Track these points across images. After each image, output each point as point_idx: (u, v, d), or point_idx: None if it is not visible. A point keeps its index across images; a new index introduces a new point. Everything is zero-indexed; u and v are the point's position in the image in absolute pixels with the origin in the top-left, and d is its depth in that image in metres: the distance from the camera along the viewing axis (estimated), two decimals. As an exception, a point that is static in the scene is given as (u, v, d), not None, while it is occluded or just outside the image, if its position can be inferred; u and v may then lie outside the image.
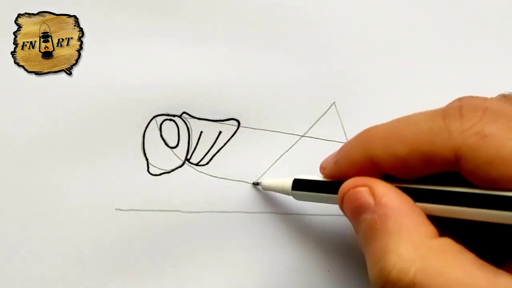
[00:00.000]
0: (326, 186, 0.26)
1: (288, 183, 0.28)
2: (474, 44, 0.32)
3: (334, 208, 0.31)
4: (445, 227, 0.21)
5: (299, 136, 0.32)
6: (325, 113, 0.32)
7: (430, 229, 0.21)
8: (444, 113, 0.21)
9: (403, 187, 0.22)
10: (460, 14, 0.32)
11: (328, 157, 0.26)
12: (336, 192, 0.24)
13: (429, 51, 0.32)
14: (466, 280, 0.19)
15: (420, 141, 0.21)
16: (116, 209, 0.30)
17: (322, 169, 0.26)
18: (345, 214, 0.24)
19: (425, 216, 0.22)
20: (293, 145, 0.32)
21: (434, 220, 0.22)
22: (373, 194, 0.22)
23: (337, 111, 0.32)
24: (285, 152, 0.32)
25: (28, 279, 0.30)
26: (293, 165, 0.31)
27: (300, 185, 0.27)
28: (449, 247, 0.20)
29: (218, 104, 0.31)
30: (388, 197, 0.22)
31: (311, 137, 0.32)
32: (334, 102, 0.32)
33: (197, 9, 0.32)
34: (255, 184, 0.31)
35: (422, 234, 0.21)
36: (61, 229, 0.30)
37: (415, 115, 0.22)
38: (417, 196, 0.22)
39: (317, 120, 0.32)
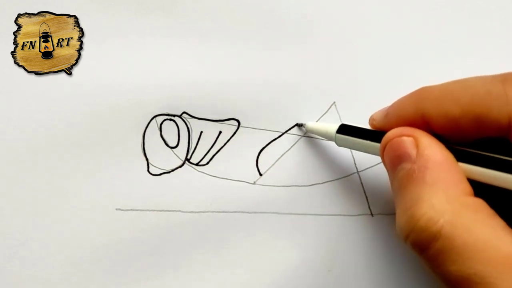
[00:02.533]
0: (371, 134, 0.26)
1: (334, 127, 0.28)
2: (476, 44, 0.32)
3: (335, 208, 0.31)
4: (479, 196, 0.21)
5: (299, 136, 0.32)
6: (325, 113, 0.32)
7: (467, 187, 0.21)
8: (504, 78, 0.21)
9: (448, 146, 0.22)
10: (461, 13, 0.32)
11: (379, 110, 0.26)
12: (379, 142, 0.24)
13: (430, 51, 0.32)
14: (492, 241, 0.19)
15: (475, 103, 0.21)
16: (116, 209, 0.30)
17: (372, 120, 0.27)
18: (383, 161, 0.24)
19: (464, 175, 0.22)
20: (293, 145, 0.32)
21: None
22: (417, 145, 0.22)
23: (337, 111, 0.32)
24: (285, 152, 0.31)
25: (28, 279, 0.30)
26: (293, 165, 0.31)
27: (346, 130, 0.28)
28: (483, 208, 0.20)
29: (218, 104, 0.31)
30: (431, 150, 0.22)
31: (311, 137, 0.32)
32: (334, 102, 0.32)
33: (197, 9, 0.32)
34: (299, 125, 0.31)
35: (458, 190, 0.21)
36: (61, 229, 0.30)
37: (473, 78, 0.22)
38: (460, 156, 0.22)
39: (317, 120, 0.32)
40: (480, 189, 0.21)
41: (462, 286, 0.19)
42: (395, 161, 0.23)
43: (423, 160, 0.22)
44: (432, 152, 0.22)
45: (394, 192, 0.23)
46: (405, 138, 0.23)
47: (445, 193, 0.21)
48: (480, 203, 0.21)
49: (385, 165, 0.24)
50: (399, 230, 0.22)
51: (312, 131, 0.30)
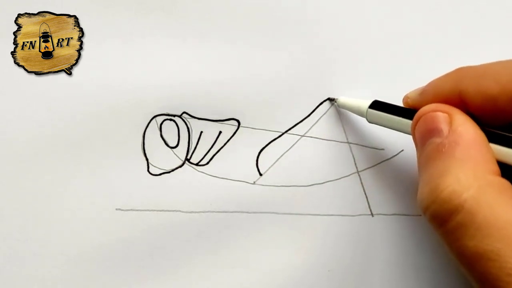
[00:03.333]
0: (404, 111, 0.26)
1: (366, 102, 0.28)
2: (477, 43, 0.32)
3: (335, 208, 0.31)
4: (506, 178, 0.21)
5: (299, 136, 0.32)
6: (325, 113, 0.32)
7: (495, 167, 0.21)
8: None
9: (482, 127, 0.22)
10: (462, 13, 0.32)
11: (414, 89, 0.26)
12: (412, 119, 0.24)
13: (430, 50, 0.32)
14: None
15: None
16: (116, 209, 0.30)
17: (406, 98, 0.26)
18: (413, 136, 0.24)
19: (494, 156, 0.21)
20: (293, 145, 0.32)
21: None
22: (450, 122, 0.22)
23: (337, 111, 0.32)
24: (285, 152, 0.31)
25: (28, 279, 0.30)
26: (293, 165, 0.31)
27: (378, 106, 0.27)
28: (508, 188, 0.20)
29: (218, 104, 0.31)
30: (464, 127, 0.22)
31: (311, 137, 0.32)
32: (334, 102, 0.32)
33: (197, 9, 0.32)
34: (331, 99, 0.31)
35: (486, 169, 0.21)
36: (61, 229, 0.30)
37: None
38: (492, 137, 0.22)
39: (317, 120, 0.32)
40: (507, 172, 0.21)
41: (478, 262, 0.19)
42: (426, 135, 0.23)
43: (455, 136, 0.22)
44: (465, 130, 0.22)
45: (420, 167, 0.23)
46: (439, 113, 0.23)
47: (472, 170, 0.20)
48: (506, 184, 0.21)
49: (414, 140, 0.24)
50: (419, 201, 0.22)
51: (344, 106, 0.30)
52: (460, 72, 0.24)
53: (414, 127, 0.24)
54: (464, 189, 0.20)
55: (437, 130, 0.22)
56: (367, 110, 0.28)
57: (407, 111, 0.26)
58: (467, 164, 0.21)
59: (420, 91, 0.26)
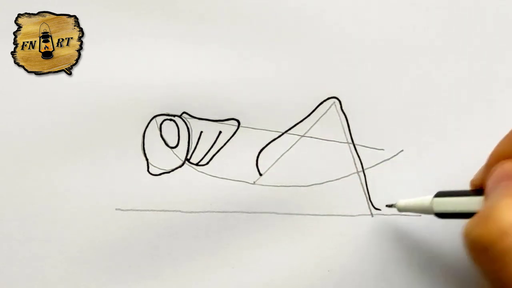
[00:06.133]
0: (470, 192, 0.25)
1: (428, 197, 0.27)
2: (479, 42, 0.32)
3: (335, 208, 0.31)
4: None
5: (299, 136, 0.32)
6: (325, 113, 0.32)
7: None
8: None
9: None
10: (462, 12, 0.32)
11: (477, 171, 0.26)
12: (480, 195, 0.24)
13: (431, 50, 0.32)
14: None
15: None
16: (116, 209, 0.30)
17: (472, 181, 0.26)
18: (486, 185, 0.23)
19: None
20: (293, 145, 0.32)
21: None
22: None
23: (337, 111, 0.32)
24: (285, 152, 0.31)
25: (28, 279, 0.30)
26: (293, 165, 0.31)
27: (443, 194, 0.27)
28: None
29: (218, 104, 0.31)
30: None
31: (311, 137, 0.32)
32: (334, 102, 0.32)
33: (198, 9, 0.32)
34: (389, 206, 0.30)
35: None
36: (61, 229, 0.30)
37: None
38: None
39: (317, 120, 0.32)
40: None
41: None
42: (498, 179, 0.22)
43: None
44: None
45: (484, 204, 0.22)
46: None
47: None
48: None
49: (486, 186, 0.23)
50: (464, 228, 0.20)
51: (406, 209, 0.29)
52: None
53: (488, 177, 0.23)
54: None
55: (508, 176, 0.21)
56: (432, 200, 0.27)
57: (474, 191, 0.25)
58: None
59: (484, 167, 0.25)
